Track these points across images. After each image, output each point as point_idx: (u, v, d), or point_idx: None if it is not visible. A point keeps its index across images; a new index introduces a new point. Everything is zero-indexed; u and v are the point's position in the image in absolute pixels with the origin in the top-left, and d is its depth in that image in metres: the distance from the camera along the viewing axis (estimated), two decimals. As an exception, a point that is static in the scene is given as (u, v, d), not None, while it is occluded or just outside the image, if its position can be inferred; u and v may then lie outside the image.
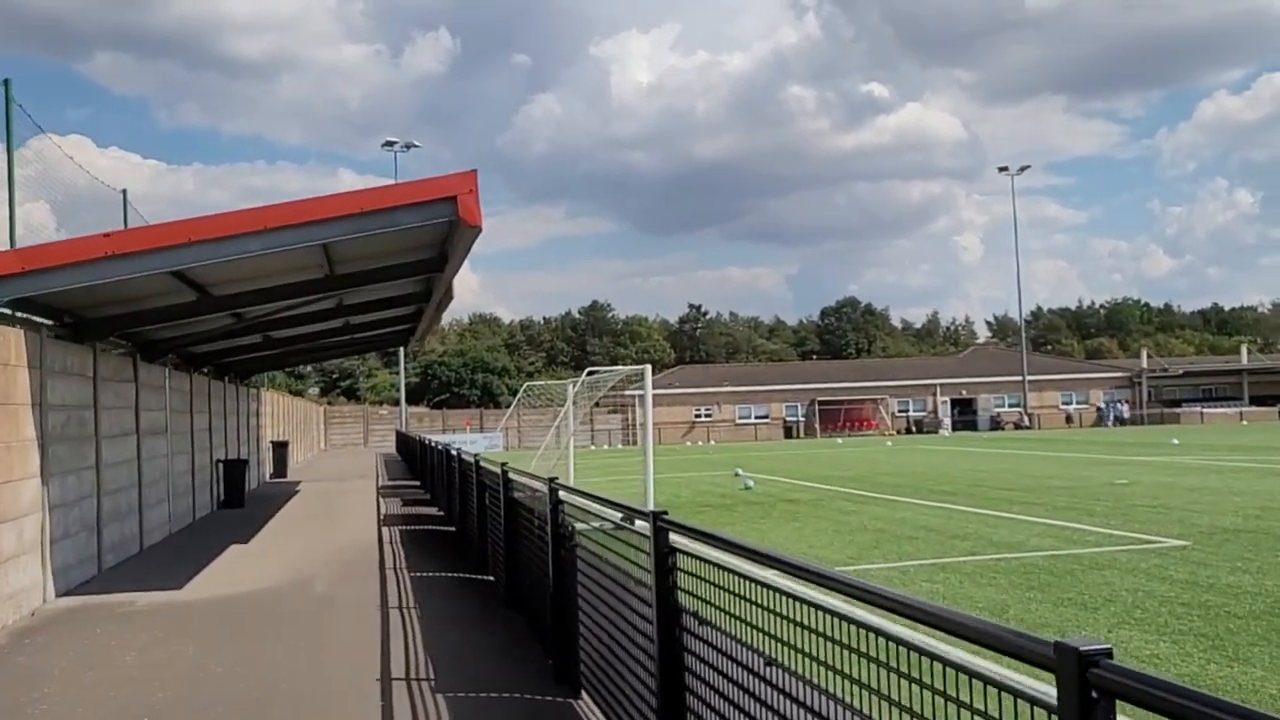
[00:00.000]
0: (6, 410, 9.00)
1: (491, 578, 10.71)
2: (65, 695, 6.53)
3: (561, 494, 6.55)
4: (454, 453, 14.89)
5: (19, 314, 11.44)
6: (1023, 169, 78.05)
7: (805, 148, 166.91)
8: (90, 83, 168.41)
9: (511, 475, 8.93)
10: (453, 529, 15.45)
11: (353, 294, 17.21)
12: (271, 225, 9.80)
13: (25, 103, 10.55)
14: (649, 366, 18.20)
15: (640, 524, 4.63)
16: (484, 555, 11.19)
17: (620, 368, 20.66)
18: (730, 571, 3.55)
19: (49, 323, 12.26)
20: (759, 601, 3.30)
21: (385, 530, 15.72)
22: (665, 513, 4.27)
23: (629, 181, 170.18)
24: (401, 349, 59.60)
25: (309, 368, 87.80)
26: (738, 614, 3.45)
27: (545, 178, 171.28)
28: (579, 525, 6.29)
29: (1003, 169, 77.25)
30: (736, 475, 30.87)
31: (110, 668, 7.20)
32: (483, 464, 11.35)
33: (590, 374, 19.22)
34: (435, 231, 12.12)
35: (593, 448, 58.56)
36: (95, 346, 12.06)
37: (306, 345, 24.01)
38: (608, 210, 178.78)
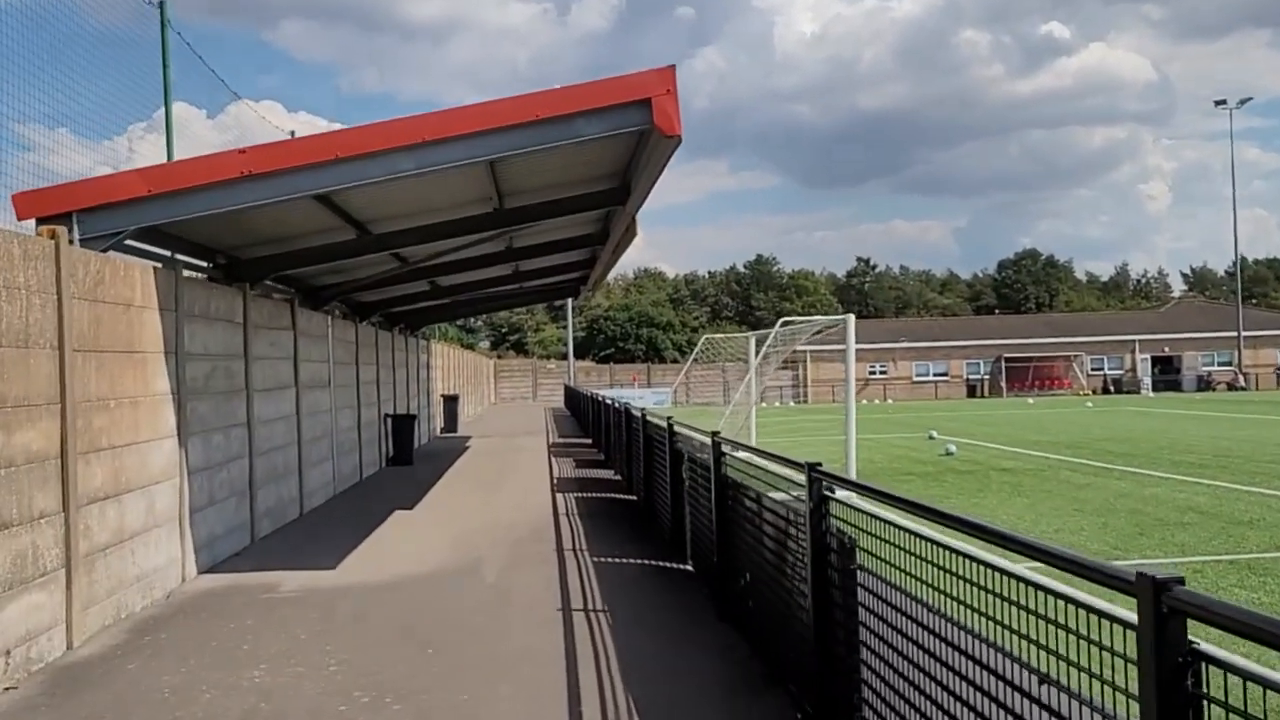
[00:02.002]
0: (131, 360, 7.64)
1: (690, 568, 8.81)
2: (169, 731, 5.00)
3: (828, 489, 4.49)
4: (636, 413, 13.07)
5: (178, 256, 10.24)
6: (1243, 102, 69.90)
7: (977, 95, 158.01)
8: (278, 51, 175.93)
9: (726, 450, 6.94)
10: (634, 499, 13.70)
11: (523, 234, 15.58)
12: (428, 138, 8.06)
13: (221, 70, 9.30)
14: (851, 317, 15.92)
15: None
16: (679, 538, 9.30)
17: (818, 317, 18.40)
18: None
19: (203, 264, 11.08)
20: None
21: (559, 498, 14.12)
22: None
23: (792, 134, 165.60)
24: (570, 301, 58.87)
25: (479, 321, 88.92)
26: None
27: (708, 132, 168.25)
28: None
29: (1220, 103, 69.40)
30: (931, 438, 28.14)
31: (230, 689, 5.66)
32: (679, 429, 9.43)
33: (785, 324, 17.03)
34: (620, 148, 10.18)
35: (763, 405, 56.27)
36: (245, 289, 10.76)
37: (476, 294, 22.74)
38: (770, 164, 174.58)
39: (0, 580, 5.67)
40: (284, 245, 11.71)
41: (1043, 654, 2.73)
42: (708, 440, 7.31)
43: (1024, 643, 2.87)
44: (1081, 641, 2.58)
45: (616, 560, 9.34)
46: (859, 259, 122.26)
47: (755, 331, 22.91)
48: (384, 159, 8.10)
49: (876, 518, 3.99)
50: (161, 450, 8.17)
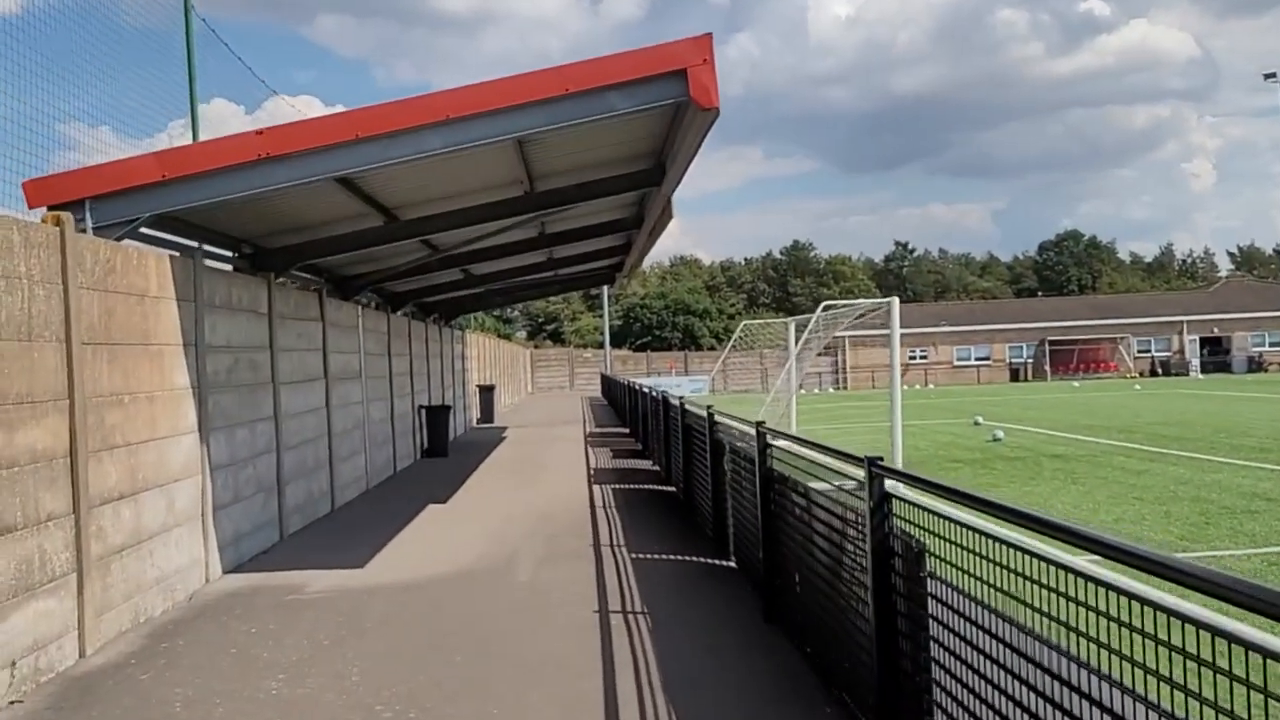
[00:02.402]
0: (147, 353, 7.32)
1: (733, 564, 8.37)
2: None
3: (892, 485, 4.03)
4: (674, 403, 12.63)
5: (204, 247, 9.96)
6: (1299, 72, 67.66)
7: (1015, 75, 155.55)
8: (315, 46, 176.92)
9: (772, 441, 6.48)
10: (672, 490, 13.27)
11: (556, 220, 15.18)
12: (455, 115, 7.65)
13: (257, 66, 8.99)
14: (895, 300, 15.33)
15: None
16: (721, 533, 8.87)
17: (860, 301, 17.82)
18: None
19: (228, 254, 10.79)
20: None
21: (596, 490, 13.73)
22: None
23: (826, 119, 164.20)
24: (606, 289, 58.46)
25: (516, 311, 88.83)
26: None
27: (742, 119, 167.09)
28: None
29: (1269, 76, 67.26)
30: (976, 424, 27.44)
31: (246, 701, 5.31)
32: (720, 419, 8.98)
33: (827, 308, 16.47)
34: (654, 124, 9.72)
35: (802, 391, 55.59)
36: (270, 279, 10.44)
37: (509, 283, 22.38)
38: (805, 149, 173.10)
39: (3, 588, 5.35)
40: (310, 233, 11.38)
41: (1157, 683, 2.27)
42: (751, 430, 6.86)
43: (1136, 670, 2.41)
44: (1215, 675, 2.11)
45: (656, 557, 8.92)
46: (897, 243, 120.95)
47: (795, 317, 22.36)
48: (408, 138, 7.70)
49: (948, 519, 3.53)
50: (181, 446, 7.86)
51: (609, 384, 44.67)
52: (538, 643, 6.27)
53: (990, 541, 3.20)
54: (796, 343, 17.46)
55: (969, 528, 3.34)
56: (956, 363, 65.45)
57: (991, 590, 3.15)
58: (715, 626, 6.51)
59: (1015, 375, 63.74)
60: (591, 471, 16.06)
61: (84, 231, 7.20)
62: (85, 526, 6.18)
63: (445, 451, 19.50)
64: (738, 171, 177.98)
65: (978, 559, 3.24)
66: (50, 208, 7.15)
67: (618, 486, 14.03)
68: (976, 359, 65.21)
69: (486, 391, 30.47)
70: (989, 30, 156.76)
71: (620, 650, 6.03)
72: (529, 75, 7.75)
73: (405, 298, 19.15)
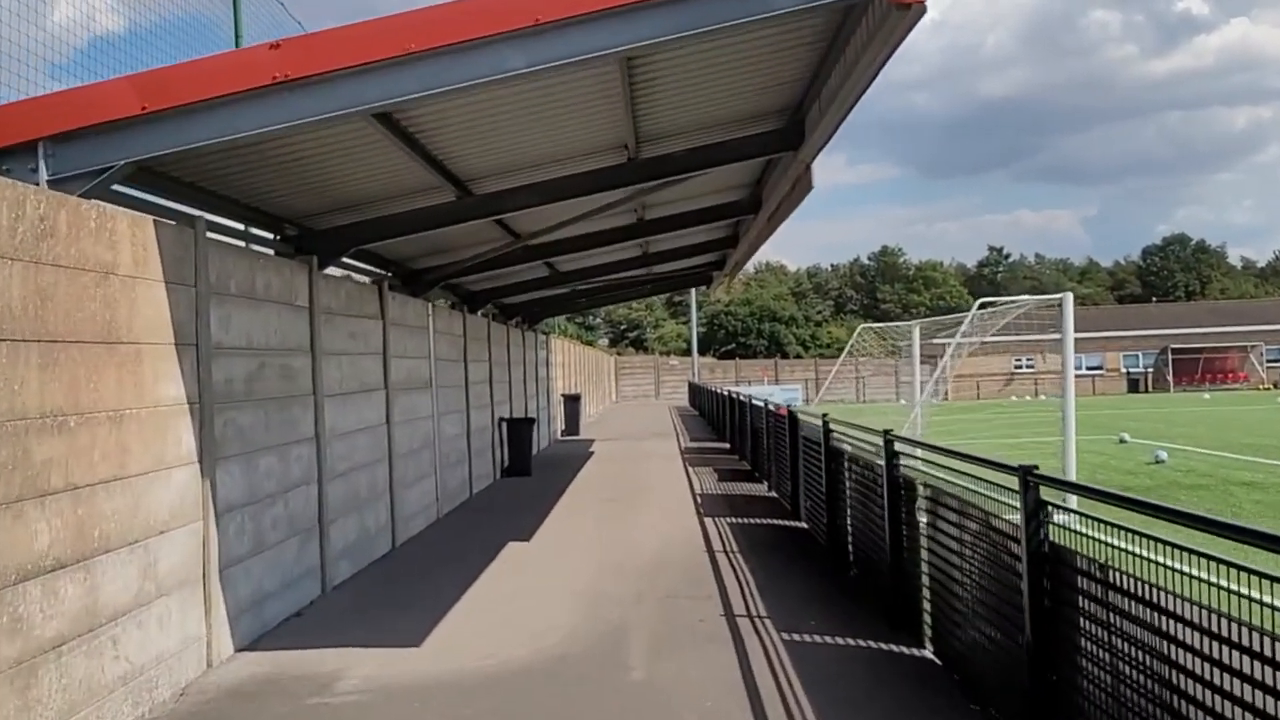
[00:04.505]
0: (113, 355, 5.14)
1: (931, 654, 5.90)
2: None
3: None
4: (812, 422, 10.18)
5: (232, 225, 7.89)
6: None
7: (1108, 77, 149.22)
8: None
9: (1050, 501, 4.01)
10: (804, 527, 10.80)
11: (658, 204, 12.85)
12: (546, 18, 5.33)
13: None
14: (1069, 295, 12.61)
15: None
16: (905, 602, 6.41)
17: (1026, 298, 15.12)
18: None
19: (271, 236, 8.71)
20: None
21: (708, 523, 11.32)
22: None
23: (911, 125, 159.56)
24: (693, 294, 56.12)
25: (598, 318, 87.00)
26: None
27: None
28: None
29: None
30: (1123, 442, 24.26)
31: None
32: (900, 449, 6.52)
33: (985, 305, 13.81)
34: (804, 58, 7.37)
35: (902, 402, 52.28)
36: (313, 263, 8.31)
37: (599, 281, 20.12)
38: (889, 155, 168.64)
39: None
40: (366, 210, 9.24)
41: None
42: (1013, 482, 4.38)
43: None
44: None
45: (815, 639, 6.46)
46: (991, 248, 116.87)
47: (926, 319, 19.68)
48: (479, 53, 5.39)
49: None
50: (170, 484, 5.68)
51: (697, 393, 42.18)
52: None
53: None
54: (951, 346, 14.83)
55: None
56: (1067, 371, 61.30)
57: None
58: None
59: (1134, 386, 59.43)
60: (698, 498, 13.64)
61: (37, 185, 5.09)
62: (-18, 621, 4.01)
63: (528, 470, 17.28)
64: (820, 179, 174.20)
65: None
66: (-10, 152, 5.09)
67: (734, 520, 11.59)
68: (1089, 368, 60.96)
69: (572, 401, 28.29)
70: (1081, 32, 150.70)
71: None
72: (652, -43, 5.40)
73: (484, 297, 17.01)
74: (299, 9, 10.02)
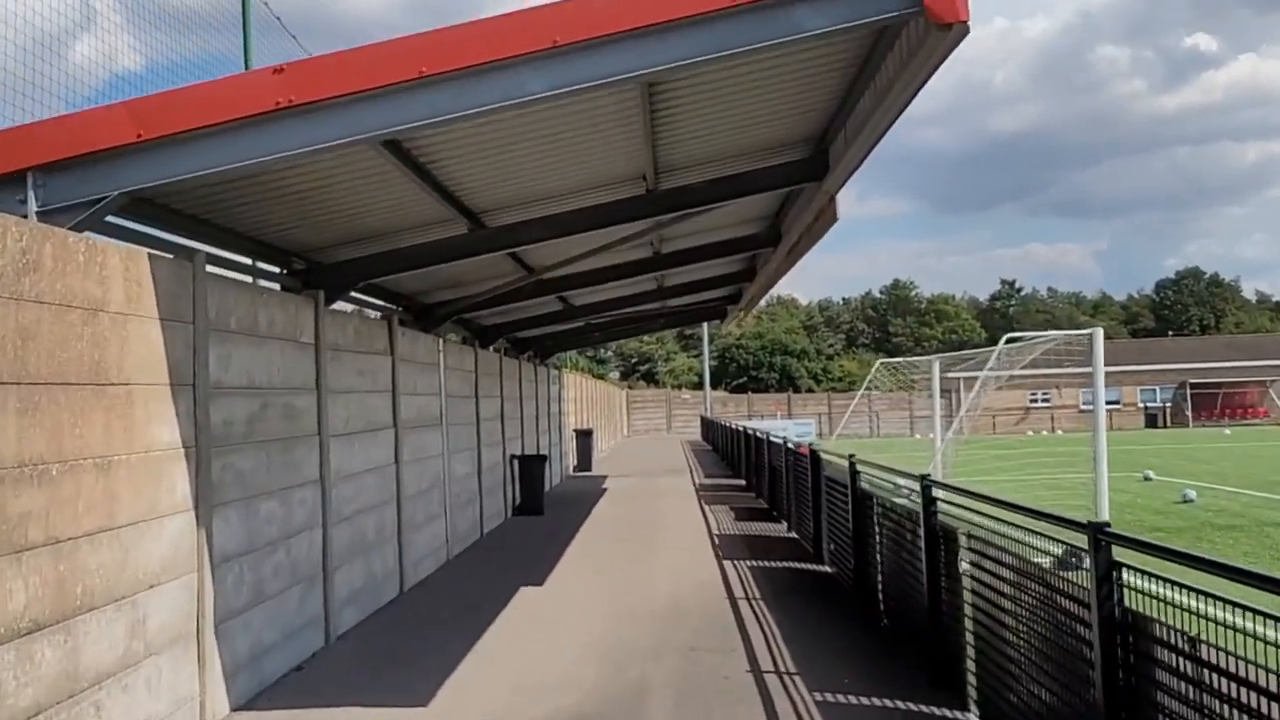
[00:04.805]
0: (101, 398, 4.81)
1: (976, 717, 5.47)
2: None
3: None
4: (837, 463, 9.78)
5: (235, 259, 7.64)
6: None
7: (1117, 112, 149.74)
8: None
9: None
10: (828, 571, 10.37)
11: (675, 236, 12.55)
12: (566, 40, 5.03)
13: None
14: (1100, 330, 12.25)
15: None
16: (945, 655, 5.99)
17: (1054, 333, 14.71)
18: None
19: (278, 270, 8.43)
20: None
21: (728, 567, 10.89)
22: None
23: (922, 159, 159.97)
24: (705, 328, 55.78)
25: (609, 351, 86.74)
26: None
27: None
28: None
29: None
30: (1148, 479, 23.70)
31: None
32: (940, 496, 6.13)
33: (1011, 340, 13.42)
34: (831, 85, 7.08)
35: (917, 437, 51.71)
36: (319, 298, 7.99)
37: (613, 315, 19.80)
38: (900, 190, 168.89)
39: None
40: (375, 244, 8.94)
41: None
42: (1082, 541, 3.98)
43: None
44: None
45: (851, 700, 6.03)
46: (1003, 281, 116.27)
47: (946, 354, 19.27)
48: (496, 77, 5.08)
49: None
50: (163, 534, 5.32)
51: (710, 427, 41.72)
52: None
53: None
54: (980, 382, 14.43)
55: None
56: (1083, 406, 60.55)
57: None
58: None
59: (1152, 421, 58.66)
60: (716, 539, 13.21)
61: (26, 217, 4.80)
62: (-54, 693, 3.64)
63: (540, 508, 16.86)
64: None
65: None
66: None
67: (754, 563, 11.16)
68: (1106, 403, 60.19)
69: (584, 436, 27.89)
70: (1089, 67, 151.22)
71: None
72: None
73: (496, 332, 16.71)
74: (316, 47, 9.77)
